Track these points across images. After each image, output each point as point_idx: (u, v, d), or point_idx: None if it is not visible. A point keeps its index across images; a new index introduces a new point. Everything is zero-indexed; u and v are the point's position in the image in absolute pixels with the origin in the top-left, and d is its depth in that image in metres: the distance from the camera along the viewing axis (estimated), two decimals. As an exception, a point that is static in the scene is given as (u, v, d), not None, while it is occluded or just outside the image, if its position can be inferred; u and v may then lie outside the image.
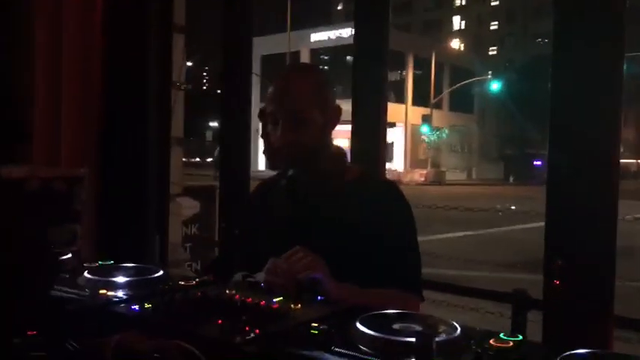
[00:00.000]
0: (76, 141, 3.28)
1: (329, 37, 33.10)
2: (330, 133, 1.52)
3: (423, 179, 32.05)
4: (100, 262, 1.58)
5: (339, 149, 1.57)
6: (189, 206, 4.57)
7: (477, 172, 39.11)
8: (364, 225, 1.42)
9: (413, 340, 0.90)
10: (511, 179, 34.96)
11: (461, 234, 10.18)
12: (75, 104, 3.31)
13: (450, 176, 34.13)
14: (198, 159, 34.09)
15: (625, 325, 2.29)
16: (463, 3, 59.70)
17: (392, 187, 1.54)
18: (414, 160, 35.76)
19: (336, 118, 1.50)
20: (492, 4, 57.90)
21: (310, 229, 1.49)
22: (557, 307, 2.11)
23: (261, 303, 1.20)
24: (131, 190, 3.36)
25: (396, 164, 35.15)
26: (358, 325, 1.02)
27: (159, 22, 3.55)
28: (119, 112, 3.36)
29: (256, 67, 35.03)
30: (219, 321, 1.06)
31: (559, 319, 2.11)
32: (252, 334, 1.00)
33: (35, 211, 2.42)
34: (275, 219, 1.60)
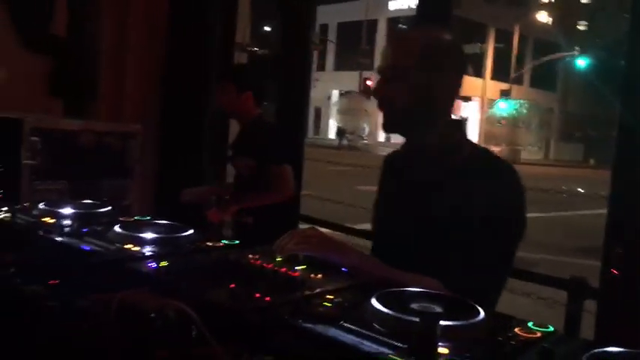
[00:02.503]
0: (139, 99, 3.35)
1: (408, 6, 32.27)
2: (443, 102, 1.37)
3: (496, 156, 31.08)
4: (136, 217, 1.60)
5: (457, 121, 1.44)
6: (246, 165, 4.61)
7: (555, 152, 37.54)
8: (465, 211, 1.29)
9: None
10: (592, 162, 33.36)
11: (532, 215, 9.77)
12: (139, 64, 3.36)
13: (525, 155, 32.95)
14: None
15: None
16: (553, -26, 56.63)
17: (512, 173, 1.36)
18: (488, 135, 34.69)
19: (448, 88, 1.36)
20: (585, -25, 54.63)
21: (411, 204, 1.40)
22: (614, 297, 1.98)
23: (282, 270, 1.16)
24: (189, 149, 3.41)
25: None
26: (373, 300, 0.96)
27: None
28: (180, 73, 3.39)
29: (332, 34, 34.88)
30: (232, 285, 1.03)
31: (614, 311, 1.98)
32: (260, 302, 0.96)
33: (88, 163, 2.50)
34: (387, 189, 1.55)
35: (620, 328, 1.92)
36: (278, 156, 2.72)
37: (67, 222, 1.43)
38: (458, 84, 1.38)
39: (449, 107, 1.39)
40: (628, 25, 1.93)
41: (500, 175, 1.33)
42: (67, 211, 1.52)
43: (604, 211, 1.97)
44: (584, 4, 54.55)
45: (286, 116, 3.26)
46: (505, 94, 32.82)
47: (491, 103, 34.16)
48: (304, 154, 3.26)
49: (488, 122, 34.70)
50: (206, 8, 3.37)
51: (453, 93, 1.38)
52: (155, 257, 1.20)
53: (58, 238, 1.30)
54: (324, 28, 34.16)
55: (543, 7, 56.32)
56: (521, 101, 34.43)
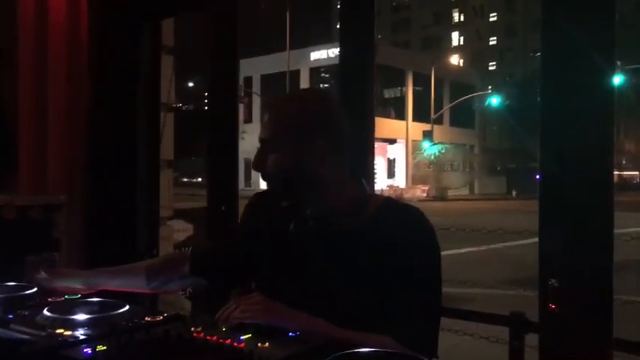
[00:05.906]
0: (63, 166, 3.22)
1: (328, 55, 33.18)
2: (322, 167, 1.36)
3: (425, 195, 31.97)
4: (65, 297, 1.51)
5: (352, 181, 1.43)
6: (181, 229, 4.50)
7: (480, 186, 38.98)
8: (380, 263, 1.31)
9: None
10: (514, 193, 34.79)
11: (462, 250, 10.09)
12: (61, 128, 3.25)
13: (452, 191, 34.01)
14: (200, 179, 34.03)
15: (624, 348, 2.19)
16: (462, 19, 59.99)
17: (419, 217, 1.37)
18: (416, 177, 35.68)
19: (322, 154, 1.36)
20: (491, 19, 58.15)
21: (315, 260, 1.40)
22: (554, 331, 2.03)
23: (227, 342, 1.12)
24: (119, 214, 3.29)
25: (398, 180, 35.05)
26: (324, 367, 0.94)
27: (148, 44, 3.51)
28: (106, 136, 3.30)
29: (257, 86, 35.25)
30: (176, 365, 0.98)
31: (556, 344, 2.02)
32: (208, 380, 0.92)
33: (12, 239, 2.36)
34: (280, 238, 1.49)
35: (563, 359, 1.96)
36: None
37: (-10, 309, 1.33)
38: (335, 148, 1.37)
39: (334, 171, 1.38)
40: (539, 62, 2.02)
41: (409, 221, 1.36)
42: (-10, 296, 1.42)
43: (532, 240, 2.03)
44: (492, 45, 57.91)
45: (217, 169, 3.23)
46: (427, 135, 33.99)
47: (415, 143, 35.25)
48: (238, 204, 3.23)
49: (417, 167, 35.87)
50: (130, 70, 3.33)
51: (331, 157, 1.37)
52: (90, 341, 1.13)
53: (-19, 329, 1.21)
54: (249, 80, 34.51)
55: (455, 50, 59.44)
56: (446, 145, 35.83)
